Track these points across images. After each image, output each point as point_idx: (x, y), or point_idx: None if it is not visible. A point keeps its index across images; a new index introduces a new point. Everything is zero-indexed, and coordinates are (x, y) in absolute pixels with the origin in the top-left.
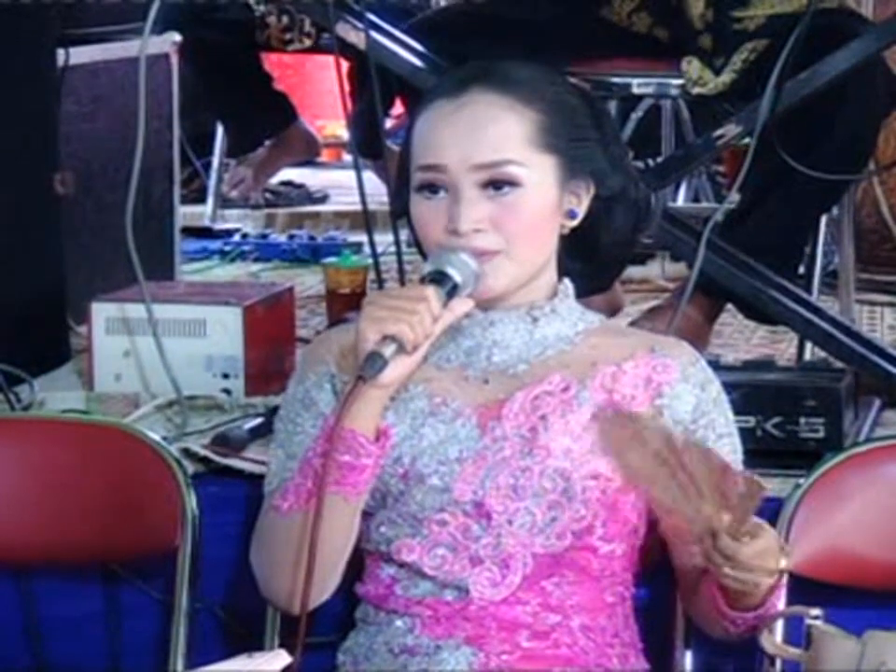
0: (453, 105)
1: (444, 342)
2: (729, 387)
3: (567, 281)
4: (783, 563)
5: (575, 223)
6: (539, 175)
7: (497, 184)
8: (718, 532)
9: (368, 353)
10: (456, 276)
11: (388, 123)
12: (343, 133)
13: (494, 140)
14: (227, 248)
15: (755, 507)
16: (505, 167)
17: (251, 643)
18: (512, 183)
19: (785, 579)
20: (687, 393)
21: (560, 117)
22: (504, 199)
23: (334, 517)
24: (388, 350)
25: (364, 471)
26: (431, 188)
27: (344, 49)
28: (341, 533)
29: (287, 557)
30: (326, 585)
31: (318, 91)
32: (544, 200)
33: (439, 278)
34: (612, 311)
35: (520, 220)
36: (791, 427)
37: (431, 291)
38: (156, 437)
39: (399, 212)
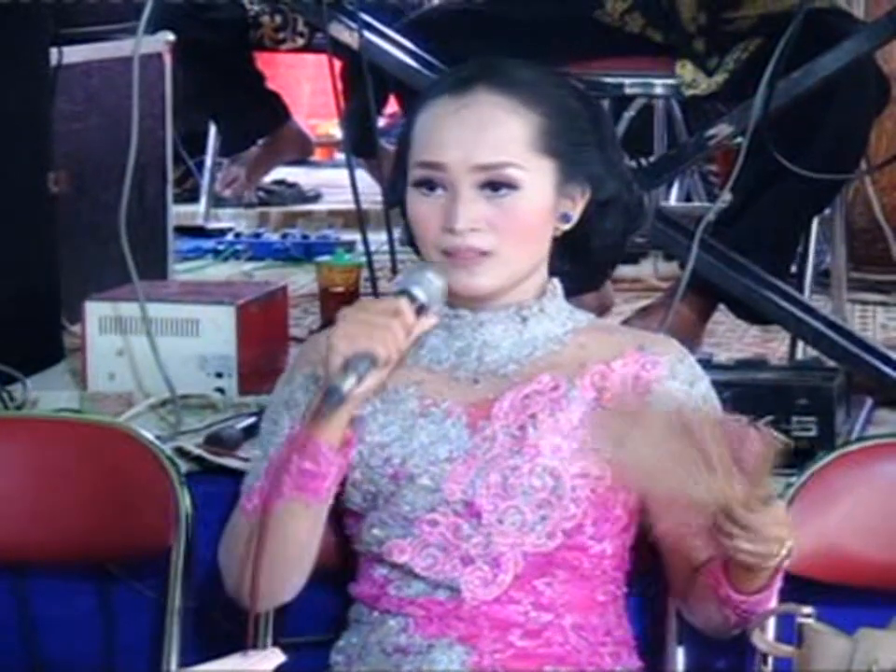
0: (456, 104)
1: (436, 343)
2: (721, 386)
3: (555, 280)
4: (789, 542)
5: (568, 226)
6: (537, 178)
7: (495, 185)
8: (730, 505)
9: (328, 387)
10: (422, 296)
11: (381, 122)
12: (336, 132)
13: (495, 142)
14: (220, 247)
15: (771, 460)
16: (504, 169)
17: (245, 642)
18: (511, 185)
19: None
20: (675, 390)
21: (561, 120)
22: (501, 200)
23: (295, 521)
24: (360, 368)
25: (326, 479)
26: (429, 184)
27: (337, 48)
28: (302, 535)
29: (248, 556)
30: (291, 584)
31: (311, 90)
32: (540, 203)
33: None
34: (602, 309)
35: (516, 222)
36: (783, 425)
37: (405, 304)
38: (150, 436)
39: (394, 202)
